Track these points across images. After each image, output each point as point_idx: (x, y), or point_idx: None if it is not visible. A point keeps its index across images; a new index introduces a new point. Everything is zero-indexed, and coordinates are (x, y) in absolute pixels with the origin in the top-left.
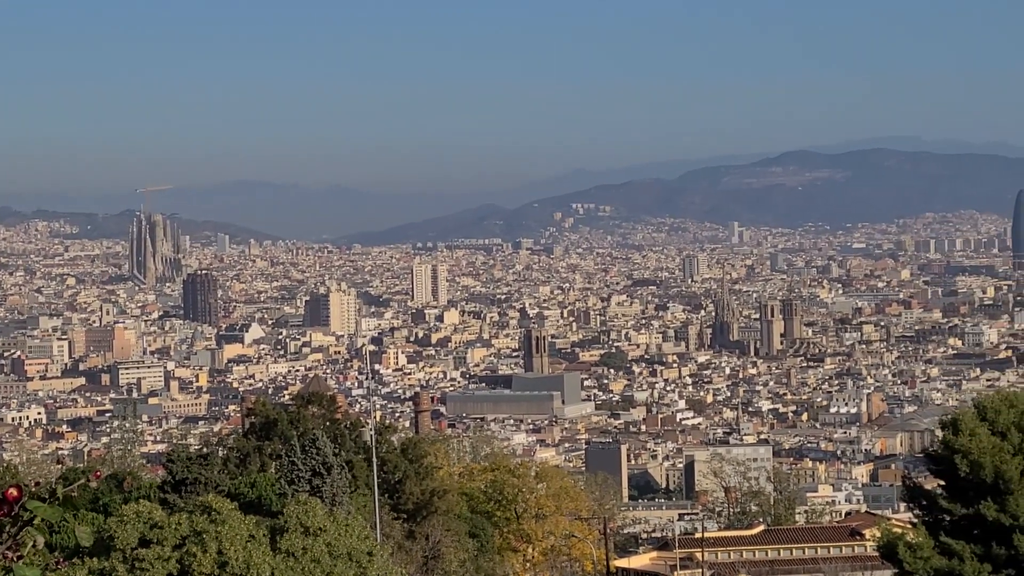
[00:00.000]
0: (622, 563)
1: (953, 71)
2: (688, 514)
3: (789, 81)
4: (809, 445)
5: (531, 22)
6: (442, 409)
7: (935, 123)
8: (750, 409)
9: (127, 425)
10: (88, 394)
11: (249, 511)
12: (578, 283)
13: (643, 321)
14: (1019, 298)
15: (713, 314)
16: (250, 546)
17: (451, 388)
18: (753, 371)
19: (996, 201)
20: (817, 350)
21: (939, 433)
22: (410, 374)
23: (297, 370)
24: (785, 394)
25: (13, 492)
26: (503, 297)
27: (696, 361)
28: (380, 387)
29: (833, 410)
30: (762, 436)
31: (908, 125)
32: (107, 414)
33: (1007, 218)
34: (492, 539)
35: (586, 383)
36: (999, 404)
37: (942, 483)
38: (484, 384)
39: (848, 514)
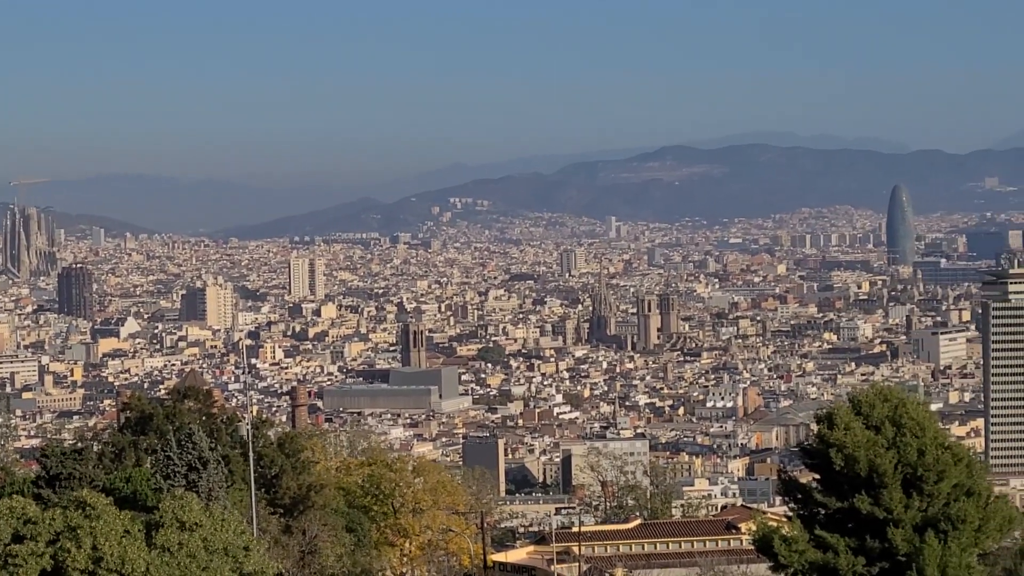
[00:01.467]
0: (499, 557)
1: (827, 68)
2: (565, 508)
3: (666, 77)
4: (685, 439)
5: (407, 15)
6: (319, 403)
7: (810, 119)
8: (627, 403)
9: (0, 420)
10: None
11: (124, 506)
12: (456, 277)
13: (520, 315)
14: (893, 293)
15: (590, 308)
16: (125, 542)
17: (328, 382)
18: (630, 365)
19: (871, 196)
20: (694, 344)
21: (814, 427)
22: (287, 368)
23: (173, 364)
24: (662, 388)
25: None
26: (380, 291)
27: (573, 355)
28: (257, 381)
29: (709, 404)
30: (639, 430)
31: (784, 121)
32: None
33: (882, 213)
34: (369, 534)
35: (463, 377)
36: (873, 398)
37: (817, 477)
38: (361, 378)
39: (724, 508)
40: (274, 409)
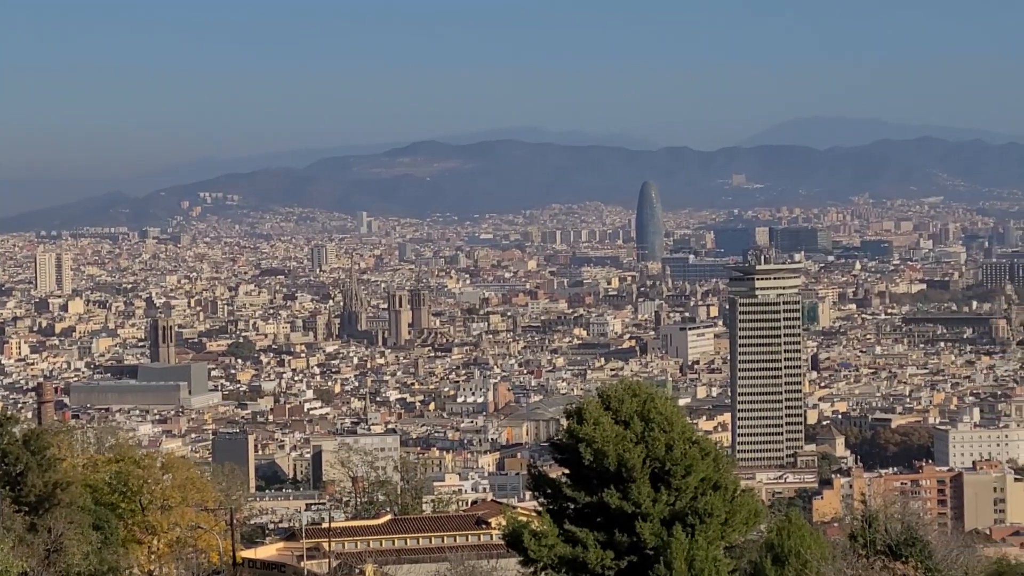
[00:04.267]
0: (248, 554)
1: (574, 65)
2: (315, 504)
3: (417, 72)
4: (436, 434)
5: (155, 5)
6: (66, 400)
7: (559, 116)
8: (378, 399)
9: None
10: None
11: None
12: (205, 272)
13: (271, 311)
14: (643, 289)
15: (341, 304)
16: None
17: (75, 378)
18: (381, 361)
19: (620, 193)
20: (444, 340)
21: (564, 422)
22: (33, 364)
23: None
24: (413, 384)
25: None
26: (129, 286)
27: (324, 351)
28: (2, 377)
29: (460, 400)
30: (390, 426)
31: (533, 117)
32: None
33: (631, 210)
34: (116, 531)
35: (213, 373)
36: (622, 393)
37: (567, 472)
38: (109, 374)
39: (474, 503)
40: (20, 406)
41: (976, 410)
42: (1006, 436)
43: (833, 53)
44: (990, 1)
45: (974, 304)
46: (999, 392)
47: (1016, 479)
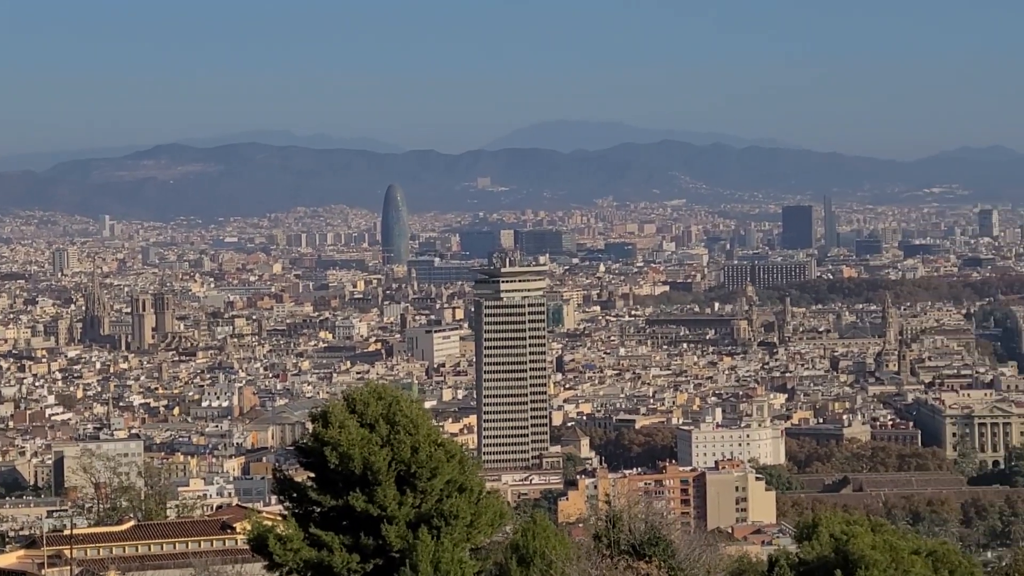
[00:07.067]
0: None
1: (322, 68)
2: (57, 511)
3: (161, 73)
4: (181, 439)
5: None
6: None
7: (305, 118)
8: (121, 404)
9: None
10: None
11: None
12: None
13: (11, 315)
14: (388, 292)
15: (84, 308)
16: None
17: None
18: (124, 365)
19: (366, 196)
20: (189, 344)
21: (309, 426)
22: None
23: None
24: (157, 388)
25: None
26: None
27: (66, 356)
28: None
29: (205, 404)
30: (133, 431)
31: (279, 120)
32: None
33: (376, 213)
34: None
35: None
36: (368, 396)
37: (312, 475)
38: None
39: (220, 507)
40: None
41: (718, 410)
42: (747, 436)
43: (577, 57)
44: (726, 8)
45: (716, 306)
46: (741, 392)
47: (757, 478)
